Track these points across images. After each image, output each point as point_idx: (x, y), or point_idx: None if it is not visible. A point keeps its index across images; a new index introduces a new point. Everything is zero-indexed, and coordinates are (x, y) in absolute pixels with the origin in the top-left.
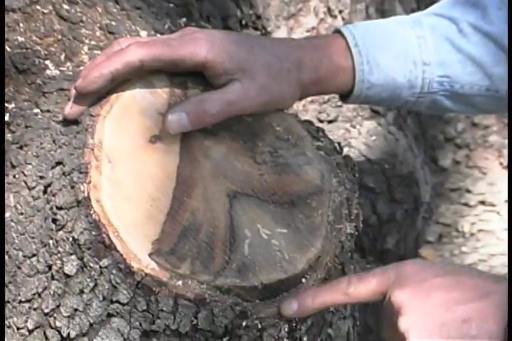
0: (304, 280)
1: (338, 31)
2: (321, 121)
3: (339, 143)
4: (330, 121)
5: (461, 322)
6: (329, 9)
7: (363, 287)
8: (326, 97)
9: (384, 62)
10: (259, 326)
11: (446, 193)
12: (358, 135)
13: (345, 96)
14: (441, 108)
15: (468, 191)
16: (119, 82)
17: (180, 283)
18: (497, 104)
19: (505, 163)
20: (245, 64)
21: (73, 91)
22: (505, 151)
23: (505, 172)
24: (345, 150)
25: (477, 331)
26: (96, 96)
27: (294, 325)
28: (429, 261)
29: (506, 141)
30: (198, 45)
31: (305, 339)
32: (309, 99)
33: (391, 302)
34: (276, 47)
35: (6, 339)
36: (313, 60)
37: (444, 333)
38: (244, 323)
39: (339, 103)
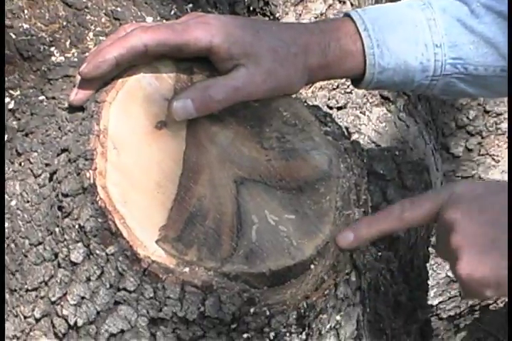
0: (312, 266)
1: (346, 15)
2: (331, 108)
3: (347, 129)
4: (339, 108)
5: None
6: None
7: (417, 210)
8: (336, 84)
9: (394, 46)
10: (267, 313)
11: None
12: (368, 121)
13: (357, 82)
14: (456, 91)
15: (481, 179)
16: (125, 68)
17: (187, 269)
18: None
19: None
20: (251, 49)
21: (78, 78)
22: None
23: None
24: (355, 136)
25: None
26: (101, 82)
27: (302, 311)
28: (482, 181)
29: None
30: (203, 29)
31: (313, 326)
32: (318, 85)
33: (444, 219)
34: (282, 32)
35: (13, 327)
36: (320, 44)
37: (495, 249)
38: (252, 310)
39: (349, 89)
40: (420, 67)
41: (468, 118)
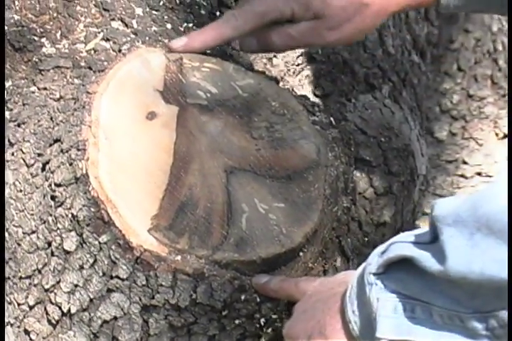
0: (301, 253)
1: None
2: (317, 96)
3: (335, 118)
4: (325, 95)
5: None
6: None
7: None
8: (322, 72)
9: None
10: (258, 299)
11: (442, 165)
12: (354, 109)
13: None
14: None
15: (465, 162)
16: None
17: (178, 257)
18: None
19: (501, 134)
20: (319, 11)
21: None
22: (501, 122)
23: (501, 143)
24: (341, 124)
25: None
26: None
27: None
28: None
29: (502, 112)
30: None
31: None
32: (305, 73)
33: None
34: None
35: (7, 314)
36: None
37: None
38: (242, 297)
39: (334, 77)
40: None
41: (451, 102)
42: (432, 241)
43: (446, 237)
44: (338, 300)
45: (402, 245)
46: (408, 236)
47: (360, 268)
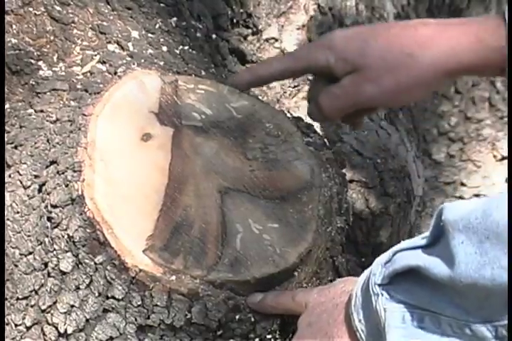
0: (295, 273)
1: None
2: None
3: (328, 139)
4: None
5: None
6: (319, 6)
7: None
8: None
9: None
10: (252, 319)
11: (440, 187)
12: (350, 130)
13: None
14: None
15: (463, 184)
16: (113, 83)
17: (173, 278)
18: None
19: (499, 156)
20: (355, 62)
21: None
22: (499, 144)
23: (499, 165)
24: (337, 145)
25: None
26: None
27: (286, 317)
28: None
29: (499, 134)
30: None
31: None
32: (301, 95)
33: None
34: (396, 35)
35: (4, 335)
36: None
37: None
38: (237, 317)
39: None
40: None
41: (449, 124)
42: (435, 242)
43: (457, 243)
44: (341, 311)
45: (406, 254)
46: (410, 243)
47: (363, 277)
